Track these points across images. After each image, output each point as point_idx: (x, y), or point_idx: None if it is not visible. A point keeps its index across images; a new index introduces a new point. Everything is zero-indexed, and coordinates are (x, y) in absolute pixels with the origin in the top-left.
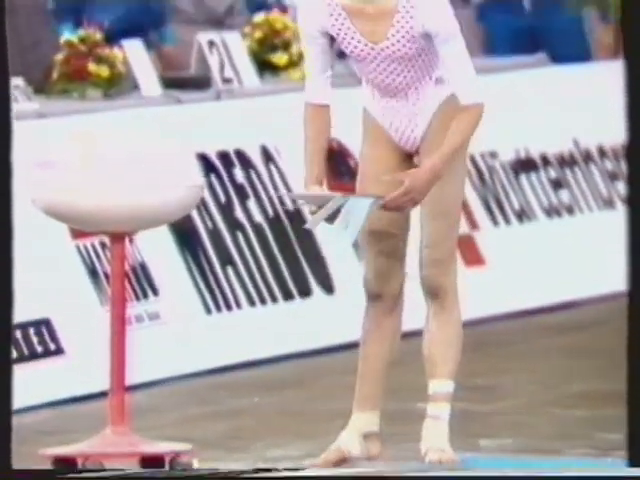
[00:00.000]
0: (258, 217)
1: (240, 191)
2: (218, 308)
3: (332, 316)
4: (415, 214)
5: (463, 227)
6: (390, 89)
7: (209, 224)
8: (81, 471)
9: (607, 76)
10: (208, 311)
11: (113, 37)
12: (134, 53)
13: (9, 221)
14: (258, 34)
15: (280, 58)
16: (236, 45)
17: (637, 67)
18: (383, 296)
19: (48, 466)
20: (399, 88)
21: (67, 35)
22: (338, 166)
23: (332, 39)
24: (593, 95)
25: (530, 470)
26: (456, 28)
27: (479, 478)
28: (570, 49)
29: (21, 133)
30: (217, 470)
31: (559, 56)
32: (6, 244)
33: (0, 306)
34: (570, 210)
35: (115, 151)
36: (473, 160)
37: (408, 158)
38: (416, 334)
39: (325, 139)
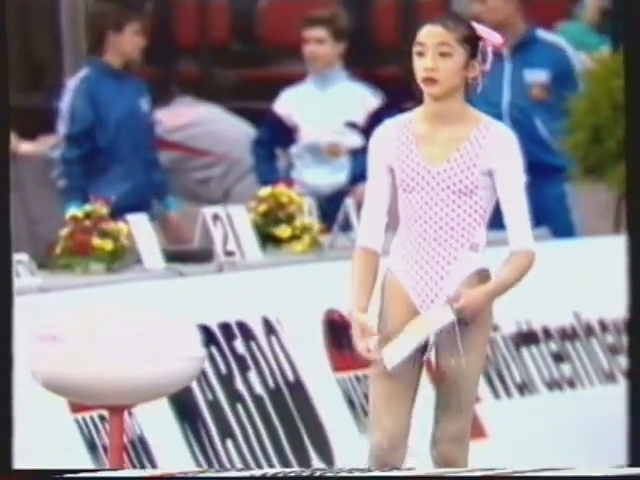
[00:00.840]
0: (259, 389)
1: (241, 362)
2: None
3: None
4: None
5: None
6: (427, 237)
7: (209, 396)
8: (81, 471)
9: (609, 250)
10: None
11: (119, 211)
12: (138, 227)
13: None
14: (263, 207)
15: (284, 231)
16: (240, 218)
17: None
18: (394, 462)
19: (48, 466)
20: (437, 234)
21: (73, 210)
22: (340, 338)
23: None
24: (594, 269)
25: (530, 470)
26: (521, 175)
27: (479, 478)
28: (571, 225)
29: (23, 307)
30: (219, 471)
31: (560, 230)
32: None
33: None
34: (572, 383)
35: (116, 324)
36: None
37: None
38: None
39: (374, 280)
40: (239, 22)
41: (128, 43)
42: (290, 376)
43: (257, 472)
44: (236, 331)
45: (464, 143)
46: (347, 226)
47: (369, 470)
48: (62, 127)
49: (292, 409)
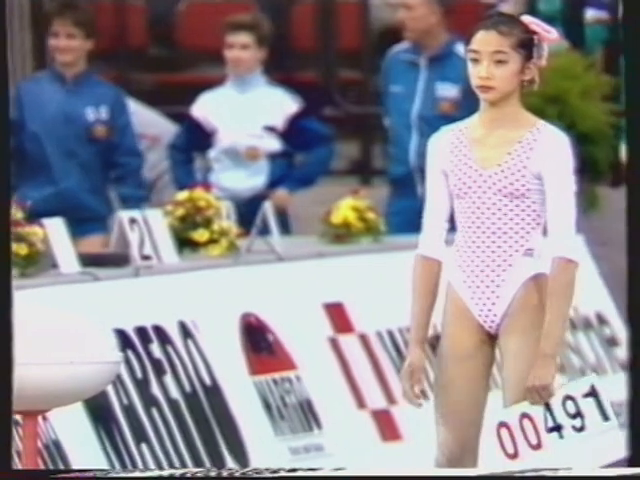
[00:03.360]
0: (175, 392)
1: (157, 366)
2: None
3: None
4: None
5: (380, 401)
6: (481, 244)
7: (124, 400)
8: (81, 471)
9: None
10: None
11: (35, 216)
12: (54, 231)
13: None
14: (180, 211)
15: (201, 235)
16: (157, 222)
17: None
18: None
19: (48, 466)
20: (491, 240)
21: None
22: (257, 341)
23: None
24: None
25: (530, 470)
26: (570, 180)
27: (479, 478)
28: None
29: None
30: (222, 471)
31: None
32: None
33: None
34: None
35: (31, 329)
36: None
37: (489, 339)
38: None
39: (434, 297)
40: (156, 26)
41: (62, 47)
42: (207, 380)
43: (165, 472)
44: (152, 335)
45: (515, 146)
46: (265, 230)
47: (276, 472)
48: None
49: (208, 413)
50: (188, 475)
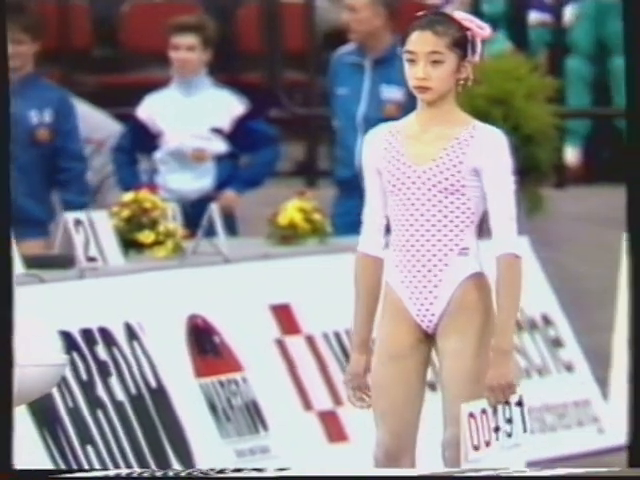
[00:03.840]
0: (120, 394)
1: (102, 368)
2: None
3: None
4: None
5: (326, 402)
6: (416, 243)
7: (69, 402)
8: (80, 471)
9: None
10: None
11: None
12: None
13: None
14: (126, 213)
15: (147, 237)
16: (102, 224)
17: None
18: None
19: (48, 466)
20: (426, 238)
21: None
22: (203, 343)
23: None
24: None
25: (530, 470)
26: (509, 176)
27: (479, 478)
28: None
29: None
30: (168, 471)
31: None
32: None
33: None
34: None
35: None
36: None
37: (426, 339)
38: None
39: (376, 298)
40: (100, 27)
41: (10, 54)
42: (152, 382)
43: (111, 472)
44: (98, 337)
45: (452, 142)
46: (211, 231)
47: (222, 472)
48: None
49: (154, 415)
50: (134, 475)
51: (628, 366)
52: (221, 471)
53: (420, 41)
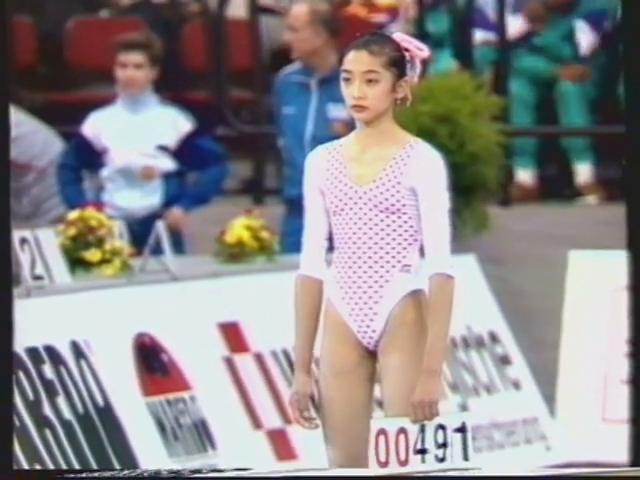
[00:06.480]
0: (67, 414)
1: (49, 387)
2: None
3: None
4: None
5: (275, 421)
6: (357, 260)
7: (16, 422)
8: (81, 471)
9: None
10: None
11: None
12: None
13: None
14: (72, 231)
15: (93, 255)
16: (49, 242)
17: None
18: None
19: (48, 466)
20: (367, 255)
21: None
22: (151, 362)
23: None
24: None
25: (530, 470)
26: (443, 195)
27: (479, 478)
28: None
29: None
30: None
31: None
32: None
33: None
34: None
35: None
36: None
37: (369, 355)
38: None
39: (317, 318)
40: (45, 43)
41: None
42: (100, 401)
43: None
44: (44, 356)
45: (391, 162)
46: (158, 249)
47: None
48: None
49: (101, 434)
50: (131, 475)
51: (629, 367)
52: (197, 471)
53: (356, 60)
